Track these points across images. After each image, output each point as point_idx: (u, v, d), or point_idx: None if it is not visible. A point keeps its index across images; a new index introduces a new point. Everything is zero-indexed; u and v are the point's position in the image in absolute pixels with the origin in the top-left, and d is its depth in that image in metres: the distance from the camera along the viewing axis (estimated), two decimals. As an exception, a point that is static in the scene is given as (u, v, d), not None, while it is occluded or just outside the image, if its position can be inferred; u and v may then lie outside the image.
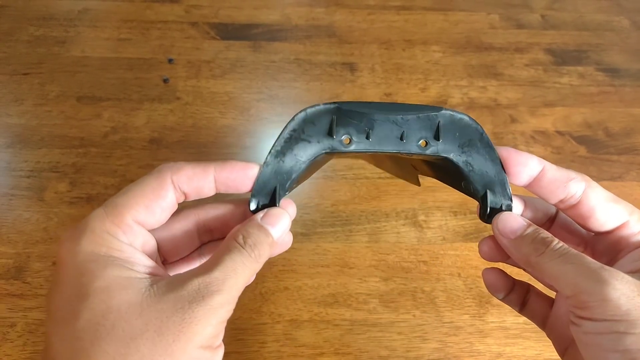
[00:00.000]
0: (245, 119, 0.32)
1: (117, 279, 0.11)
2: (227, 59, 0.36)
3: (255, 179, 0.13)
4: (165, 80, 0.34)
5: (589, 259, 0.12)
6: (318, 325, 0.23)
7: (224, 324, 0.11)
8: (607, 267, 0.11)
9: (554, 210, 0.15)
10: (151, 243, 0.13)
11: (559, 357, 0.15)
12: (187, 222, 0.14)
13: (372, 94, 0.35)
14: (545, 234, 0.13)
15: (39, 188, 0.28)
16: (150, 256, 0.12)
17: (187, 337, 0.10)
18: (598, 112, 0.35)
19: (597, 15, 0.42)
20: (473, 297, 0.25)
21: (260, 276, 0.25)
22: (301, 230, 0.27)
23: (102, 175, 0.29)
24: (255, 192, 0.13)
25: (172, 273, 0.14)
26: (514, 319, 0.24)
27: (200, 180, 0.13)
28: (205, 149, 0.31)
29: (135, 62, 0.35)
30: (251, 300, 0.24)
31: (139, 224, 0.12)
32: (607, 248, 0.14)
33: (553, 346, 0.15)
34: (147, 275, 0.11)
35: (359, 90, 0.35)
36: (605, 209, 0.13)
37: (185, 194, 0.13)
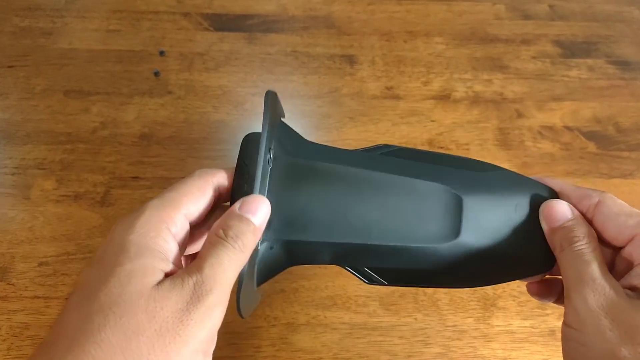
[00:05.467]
0: (239, 114, 0.31)
1: (143, 268, 0.11)
2: (221, 51, 0.35)
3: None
4: (156, 74, 0.33)
5: (591, 269, 0.13)
6: (315, 328, 0.23)
7: (217, 327, 0.12)
8: (597, 282, 0.12)
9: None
10: (187, 235, 0.13)
11: None
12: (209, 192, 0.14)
13: (373, 88, 0.33)
14: (578, 231, 0.14)
15: (24, 186, 0.27)
16: (182, 247, 0.13)
17: (182, 340, 0.11)
18: (608, 106, 0.33)
19: (607, 6, 0.41)
20: (477, 300, 0.24)
21: (255, 278, 0.24)
22: (298, 230, 0.26)
23: (90, 172, 0.28)
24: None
25: (194, 242, 0.15)
26: (520, 322, 0.23)
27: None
28: (198, 144, 0.30)
29: (125, 55, 0.34)
30: (246, 303, 0.23)
31: (186, 217, 0.13)
32: (624, 263, 0.14)
33: (562, 351, 0.14)
34: (170, 270, 0.12)
35: (359, 84, 0.34)
36: (615, 224, 0.14)
37: (220, 195, 0.14)
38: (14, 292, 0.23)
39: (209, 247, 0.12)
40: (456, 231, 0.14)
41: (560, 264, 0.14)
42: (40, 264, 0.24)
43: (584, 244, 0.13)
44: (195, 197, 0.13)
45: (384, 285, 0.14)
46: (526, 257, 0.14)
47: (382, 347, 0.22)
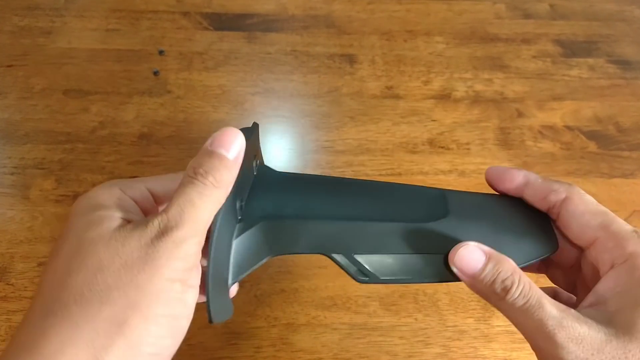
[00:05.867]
0: (239, 114, 0.31)
1: (99, 216, 0.11)
2: (221, 50, 0.34)
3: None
4: (156, 73, 0.33)
5: (548, 311, 0.11)
6: (316, 329, 0.23)
7: (195, 258, 0.11)
8: (565, 323, 0.11)
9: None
10: (151, 202, 0.13)
11: None
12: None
13: (373, 87, 0.33)
14: (504, 273, 0.12)
15: (24, 185, 0.27)
16: (145, 209, 0.13)
17: (152, 270, 0.10)
18: (609, 106, 0.33)
19: (608, 5, 0.40)
20: (478, 300, 0.24)
21: (255, 278, 0.24)
22: (298, 230, 0.26)
23: (89, 172, 0.28)
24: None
25: None
26: (520, 322, 0.23)
27: None
28: (197, 144, 0.29)
29: (124, 54, 0.34)
30: (245, 303, 0.23)
31: (147, 189, 0.13)
32: (589, 266, 0.13)
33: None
34: (128, 217, 0.12)
35: (359, 83, 0.33)
36: (578, 223, 0.13)
37: None
38: (13, 292, 0.23)
39: (178, 187, 0.12)
40: (444, 212, 0.14)
41: (505, 313, 0.12)
42: (40, 264, 0.24)
43: (520, 287, 0.12)
44: (160, 179, 0.13)
45: (377, 281, 0.13)
46: (521, 240, 0.14)
47: (382, 347, 0.22)
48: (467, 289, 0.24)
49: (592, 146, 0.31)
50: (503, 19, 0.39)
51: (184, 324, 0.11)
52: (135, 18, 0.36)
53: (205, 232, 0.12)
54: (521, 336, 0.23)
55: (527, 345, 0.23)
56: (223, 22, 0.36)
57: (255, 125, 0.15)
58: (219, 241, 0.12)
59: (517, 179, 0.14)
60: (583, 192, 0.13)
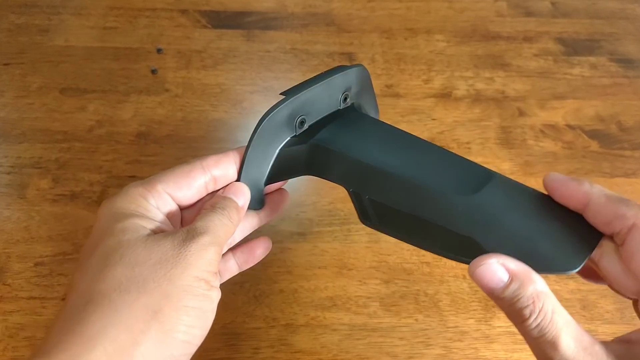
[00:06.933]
0: (237, 112, 0.31)
1: (134, 224, 0.13)
2: (219, 48, 0.34)
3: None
4: (154, 71, 0.32)
5: (561, 352, 0.11)
6: (315, 330, 0.22)
7: (216, 263, 0.13)
8: None
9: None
10: (176, 212, 0.15)
11: None
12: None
13: (373, 86, 0.33)
14: (524, 300, 0.11)
15: (20, 185, 0.27)
16: (172, 221, 0.15)
17: (183, 266, 0.12)
18: (611, 105, 0.33)
19: (610, 3, 0.40)
20: (479, 301, 0.24)
21: (254, 278, 0.24)
22: (297, 230, 0.26)
23: (86, 171, 0.27)
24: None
25: None
26: (521, 323, 0.23)
27: (225, 162, 0.15)
28: (196, 143, 0.29)
29: (122, 52, 0.33)
30: (244, 304, 0.23)
31: (168, 194, 0.14)
32: None
33: None
34: (158, 227, 0.14)
35: (359, 81, 0.33)
36: None
37: (215, 179, 0.15)
38: (9, 293, 0.23)
39: (200, 213, 0.14)
40: (474, 190, 0.13)
41: (524, 337, 0.11)
42: (37, 264, 0.24)
43: (539, 319, 0.11)
44: (177, 178, 0.14)
45: (375, 226, 0.14)
46: (542, 245, 0.12)
47: (382, 348, 0.22)
48: (468, 289, 0.24)
49: (594, 145, 0.31)
50: (504, 17, 0.38)
51: (210, 316, 0.13)
52: (133, 16, 0.36)
53: (223, 247, 0.14)
54: (522, 337, 0.23)
55: (528, 347, 0.23)
56: (222, 20, 0.36)
57: (364, 71, 0.17)
58: (263, 130, 0.14)
59: (576, 195, 0.12)
60: None
